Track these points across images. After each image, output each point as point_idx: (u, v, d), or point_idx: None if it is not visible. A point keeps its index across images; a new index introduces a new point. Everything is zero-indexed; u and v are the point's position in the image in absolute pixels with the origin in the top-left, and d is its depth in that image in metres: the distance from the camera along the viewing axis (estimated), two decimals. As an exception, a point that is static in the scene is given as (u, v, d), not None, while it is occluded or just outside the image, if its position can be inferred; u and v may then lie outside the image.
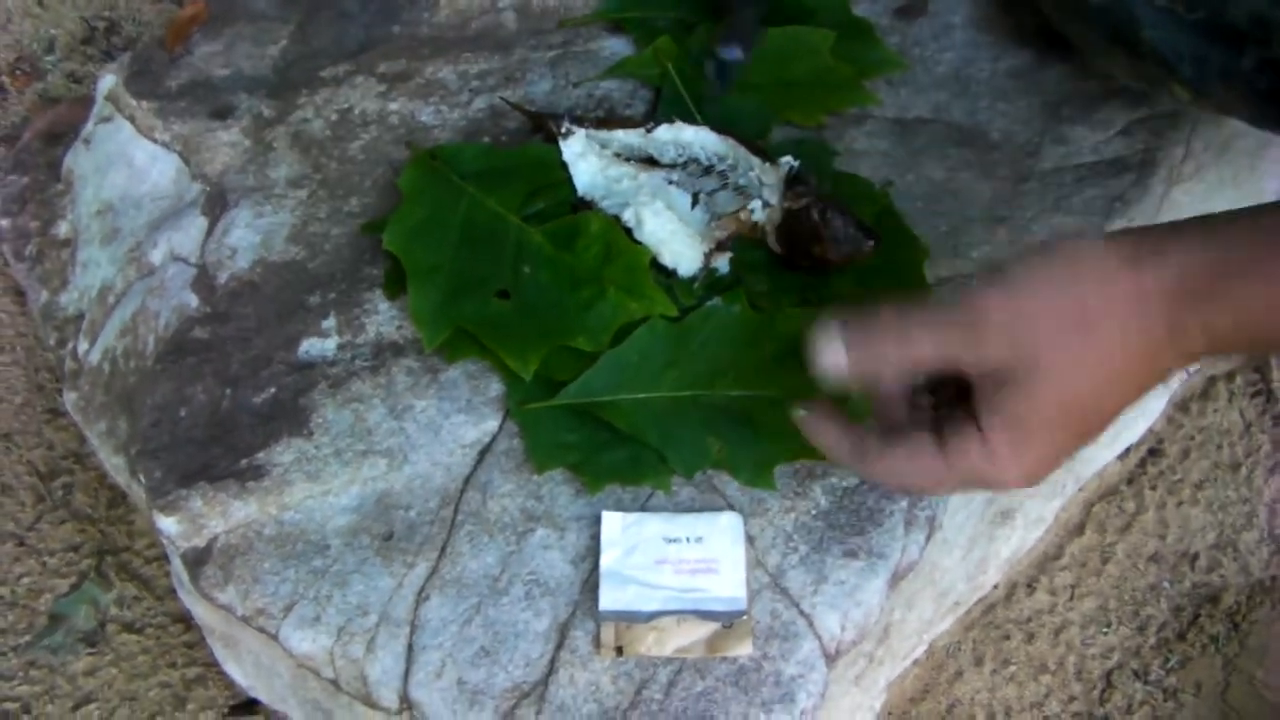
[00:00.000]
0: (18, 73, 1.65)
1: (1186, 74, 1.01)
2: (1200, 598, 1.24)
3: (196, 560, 1.01)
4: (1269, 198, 1.26)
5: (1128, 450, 1.29)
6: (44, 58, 1.66)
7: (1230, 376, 1.33)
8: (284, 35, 1.34)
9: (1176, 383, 1.29)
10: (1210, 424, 1.32)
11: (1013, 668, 1.21)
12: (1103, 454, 1.25)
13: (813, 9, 1.24)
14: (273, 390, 1.08)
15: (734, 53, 1.16)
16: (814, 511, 0.98)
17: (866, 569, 0.96)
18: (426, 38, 1.30)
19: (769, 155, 1.09)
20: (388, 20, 1.33)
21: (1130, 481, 1.29)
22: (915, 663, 1.18)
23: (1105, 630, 1.23)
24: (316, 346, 1.09)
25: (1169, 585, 1.25)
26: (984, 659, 1.21)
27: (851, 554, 0.96)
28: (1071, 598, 1.24)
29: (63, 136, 1.43)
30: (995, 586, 1.23)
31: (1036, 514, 1.21)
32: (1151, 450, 1.31)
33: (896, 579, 0.97)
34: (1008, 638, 1.22)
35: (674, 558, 0.96)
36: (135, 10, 1.67)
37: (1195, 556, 1.26)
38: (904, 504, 0.98)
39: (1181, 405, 1.32)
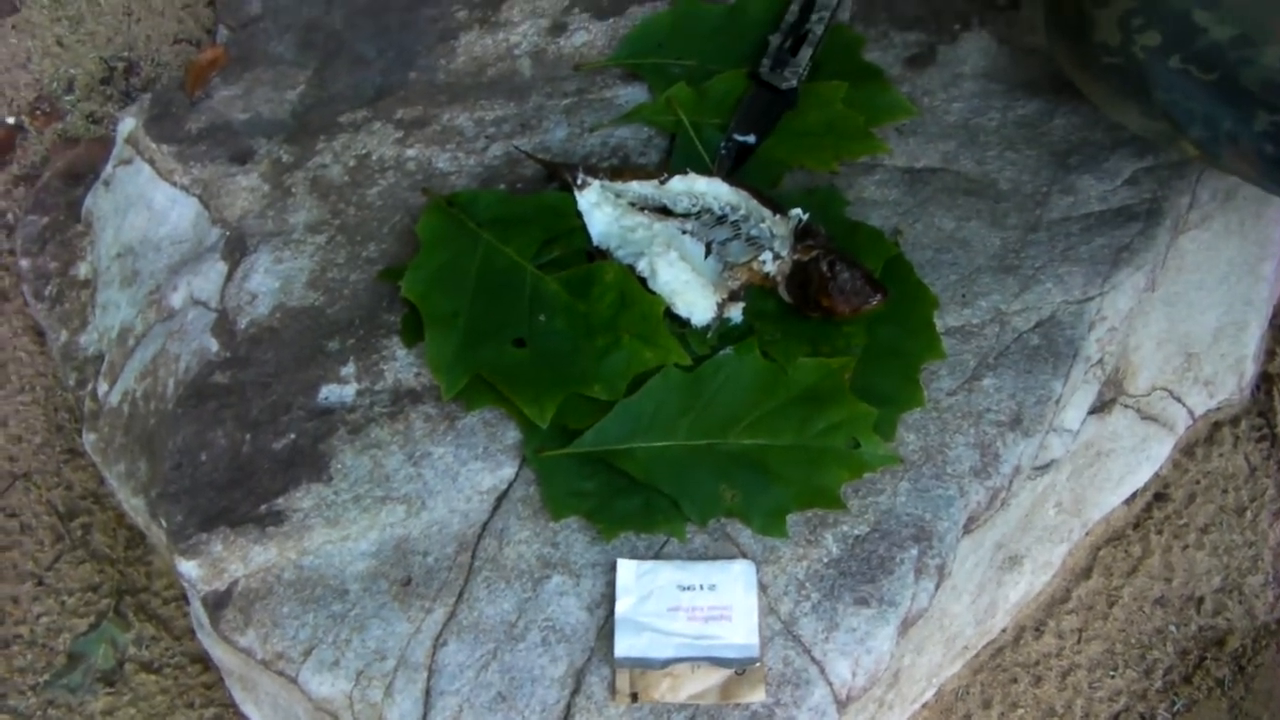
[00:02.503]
0: (37, 112, 1.67)
1: (1196, 134, 1.03)
2: (1206, 641, 1.25)
3: (217, 603, 1.03)
4: (1275, 246, 1.28)
5: (1134, 495, 1.30)
6: (63, 97, 1.67)
7: (1235, 421, 1.34)
8: (302, 80, 1.36)
9: (1183, 428, 1.30)
10: (1216, 469, 1.33)
11: (1020, 711, 1.22)
12: (1109, 499, 1.26)
13: (825, 56, 1.26)
14: (292, 436, 1.09)
15: (748, 137, 1.19)
16: (826, 560, 0.99)
17: (877, 616, 0.97)
18: (443, 84, 1.32)
19: (780, 207, 1.10)
20: (405, 66, 1.34)
21: (1136, 526, 1.30)
22: (924, 706, 1.19)
23: (1112, 674, 1.24)
24: (336, 393, 1.11)
25: (1175, 629, 1.26)
26: (992, 702, 1.22)
27: (863, 602, 0.97)
28: (1078, 641, 1.25)
29: (83, 177, 1.45)
30: (1003, 630, 1.24)
31: (1044, 559, 1.22)
32: (1157, 495, 1.31)
33: (906, 626, 0.99)
34: (1015, 681, 1.23)
35: (688, 605, 0.97)
36: (154, 51, 1.69)
37: (1201, 600, 1.27)
38: (914, 552, 0.99)
39: (1187, 450, 1.33)
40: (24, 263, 1.39)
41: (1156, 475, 1.31)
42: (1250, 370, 1.33)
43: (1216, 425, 1.35)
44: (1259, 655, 1.24)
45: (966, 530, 1.03)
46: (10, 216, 1.57)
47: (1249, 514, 1.31)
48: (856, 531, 1.00)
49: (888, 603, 0.97)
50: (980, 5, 1.30)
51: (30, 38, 1.73)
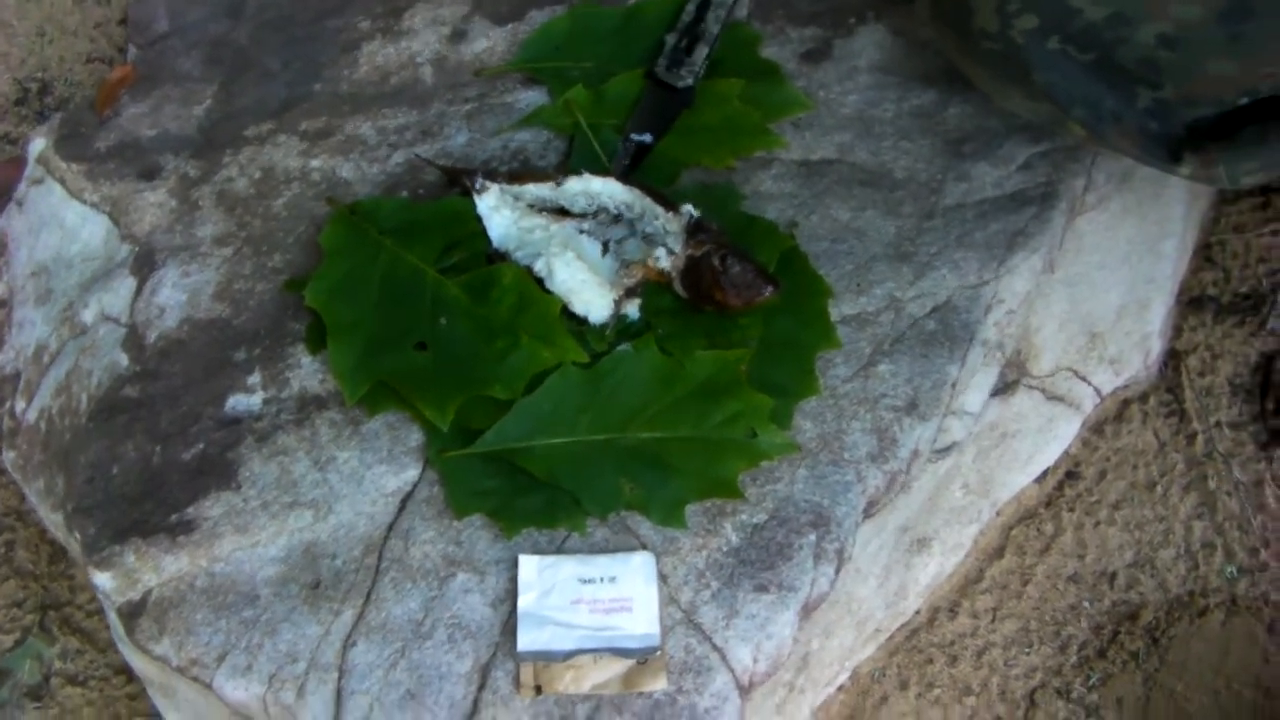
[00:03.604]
0: (-46, 134, 1.67)
1: (1079, 115, 1.05)
2: (1120, 615, 1.27)
3: (131, 613, 1.04)
4: (1175, 225, 1.30)
5: (1044, 474, 1.32)
6: (-22, 119, 1.68)
7: (1144, 398, 1.36)
8: (208, 96, 1.37)
9: (1090, 407, 1.32)
10: (1125, 445, 1.35)
11: (937, 690, 1.24)
12: (1018, 479, 1.28)
13: (723, 53, 1.28)
14: (201, 446, 1.10)
15: (644, 136, 1.21)
16: (725, 548, 1.01)
17: (777, 602, 0.99)
18: (346, 94, 1.34)
19: (673, 204, 1.12)
20: (309, 79, 1.36)
21: (1048, 504, 1.32)
22: (840, 689, 1.21)
23: (1027, 651, 1.25)
24: (243, 402, 1.12)
25: (1089, 604, 1.28)
26: (908, 683, 1.24)
27: (762, 588, 0.99)
28: (993, 620, 1.27)
29: (-1, 197, 1.46)
30: (917, 612, 1.26)
31: (954, 540, 1.24)
32: (1068, 473, 1.33)
33: (808, 610, 1.00)
34: (931, 661, 1.25)
35: (589, 598, 0.99)
36: (68, 71, 1.70)
37: (1114, 575, 1.29)
38: (812, 538, 1.01)
39: (1096, 428, 1.35)
40: (-63, 285, 1.40)
41: (1066, 454, 1.33)
42: (1156, 347, 1.35)
43: (1125, 403, 1.37)
44: (1172, 627, 1.25)
45: (867, 515, 1.05)
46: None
47: (1159, 489, 1.32)
48: (755, 520, 1.02)
49: (787, 588, 0.99)
50: (876, 0, 1.32)
51: (-56, 60, 1.74)
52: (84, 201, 1.31)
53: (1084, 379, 1.30)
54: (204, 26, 1.42)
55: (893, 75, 1.27)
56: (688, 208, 1.11)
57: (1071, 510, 1.32)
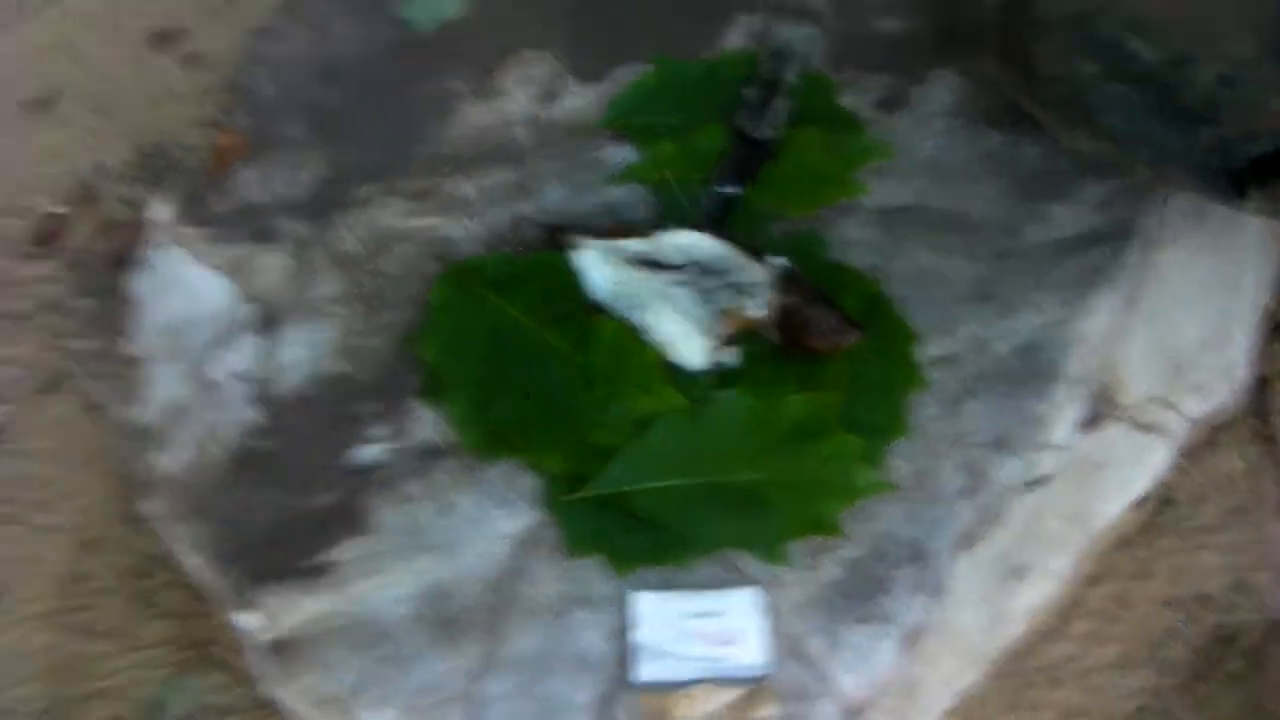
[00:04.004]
0: (78, 200, 1.76)
1: (1144, 155, 1.07)
2: (1218, 637, 1.27)
3: (272, 652, 1.11)
4: (1252, 257, 1.31)
5: (1139, 501, 1.33)
6: (100, 184, 1.76)
7: (1232, 425, 1.37)
8: (314, 159, 1.42)
9: (1181, 435, 1.33)
10: (1217, 472, 1.35)
11: (1043, 713, 1.25)
12: (1111, 507, 1.30)
13: (801, 103, 1.31)
14: (331, 494, 1.17)
15: (731, 189, 1.26)
16: (826, 582, 1.05)
17: (878, 632, 1.03)
18: (446, 155, 1.39)
19: (762, 255, 1.17)
20: (409, 140, 1.41)
21: (1144, 531, 1.32)
22: (946, 714, 1.23)
23: (1128, 674, 1.26)
24: (367, 452, 1.19)
25: (1187, 627, 1.28)
26: (1015, 706, 1.25)
27: (863, 620, 1.03)
28: (1093, 644, 1.28)
29: (125, 259, 1.52)
30: (1018, 638, 1.27)
31: (1051, 568, 1.25)
32: (1163, 500, 1.34)
33: (909, 640, 1.04)
34: (1034, 685, 1.26)
35: (700, 630, 1.04)
36: (180, 135, 1.76)
37: (1211, 598, 1.29)
38: (910, 570, 1.05)
39: (1188, 455, 1.35)
40: (78, 344, 1.47)
41: (1159, 481, 1.33)
42: (1242, 374, 1.36)
43: (1215, 430, 1.36)
44: (1270, 647, 1.25)
45: (962, 547, 1.08)
46: (64, 300, 1.66)
47: (1252, 513, 1.32)
48: (854, 554, 1.06)
49: (887, 619, 1.03)
50: (947, 46, 1.35)
51: (65, 129, 1.82)
52: (205, 264, 1.37)
53: (1172, 408, 1.31)
54: (305, 92, 1.48)
55: (965, 119, 1.30)
56: (779, 259, 1.15)
57: (1167, 536, 1.32)
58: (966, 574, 1.13)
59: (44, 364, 1.62)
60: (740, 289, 1.17)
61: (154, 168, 1.76)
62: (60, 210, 1.75)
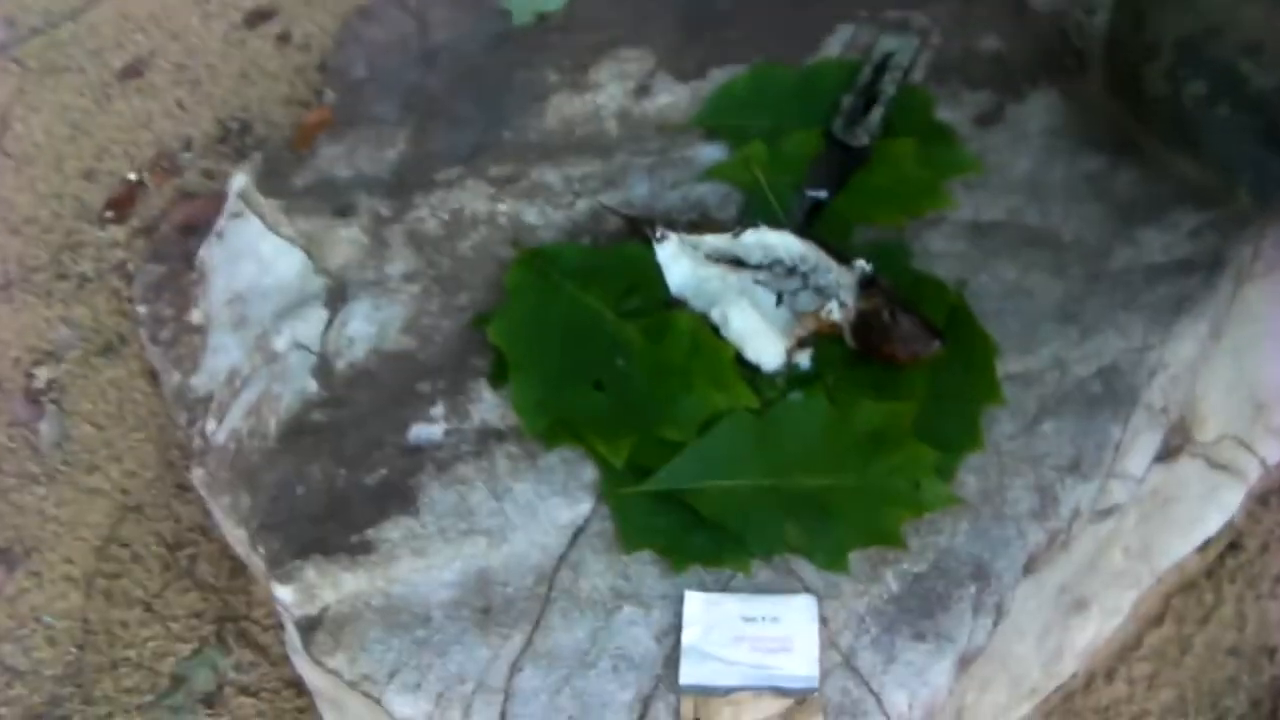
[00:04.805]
0: (158, 169, 1.78)
1: (1247, 179, 1.06)
2: (1278, 691, 1.25)
3: (309, 627, 1.09)
4: (1344, 297, 1.29)
5: (1206, 543, 1.30)
6: (182, 155, 1.78)
7: (1306, 471, 1.35)
8: (402, 139, 1.44)
9: (1254, 478, 1.31)
10: (1288, 520, 1.33)
11: (1092, 754, 1.23)
12: (1179, 546, 1.28)
13: (898, 115, 1.31)
14: (384, 471, 1.16)
15: (820, 193, 1.25)
16: (885, 595, 1.03)
17: (935, 651, 1.00)
18: (534, 143, 1.40)
19: (847, 258, 1.15)
20: (499, 126, 1.42)
21: (1209, 575, 1.31)
22: (993, 746, 1.21)
23: (1183, 720, 1.24)
24: (425, 432, 1.18)
25: (1247, 678, 1.26)
26: (1064, 744, 1.23)
27: (920, 636, 1.01)
28: (1149, 688, 1.26)
29: (198, 229, 1.54)
30: (1074, 675, 1.25)
31: (1113, 604, 1.24)
32: (1231, 544, 1.32)
33: (965, 662, 1.02)
34: (1086, 725, 1.24)
35: (751, 635, 1.01)
36: (267, 112, 1.79)
37: (1274, 650, 1.27)
38: (972, 590, 1.02)
39: (1261, 499, 1.33)
40: (142, 309, 1.47)
41: (1229, 524, 1.32)
42: (1322, 423, 1.33)
43: None
44: None
45: (1027, 571, 1.06)
46: (130, 266, 1.67)
47: (1322, 565, 1.31)
48: (916, 569, 1.04)
49: (945, 638, 1.01)
50: (1049, 65, 1.34)
51: (152, 99, 1.85)
52: (281, 235, 1.38)
53: (1249, 448, 1.29)
54: (400, 74, 1.50)
55: (1063, 140, 1.29)
56: (860, 262, 1.14)
57: (1233, 582, 1.30)
58: (1028, 601, 1.11)
59: (105, 327, 1.64)
60: (822, 291, 1.16)
61: (237, 142, 1.78)
62: (139, 177, 1.77)
